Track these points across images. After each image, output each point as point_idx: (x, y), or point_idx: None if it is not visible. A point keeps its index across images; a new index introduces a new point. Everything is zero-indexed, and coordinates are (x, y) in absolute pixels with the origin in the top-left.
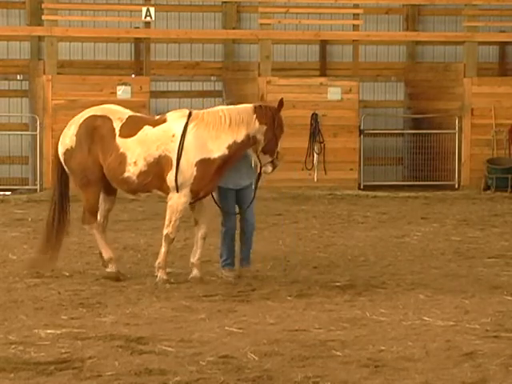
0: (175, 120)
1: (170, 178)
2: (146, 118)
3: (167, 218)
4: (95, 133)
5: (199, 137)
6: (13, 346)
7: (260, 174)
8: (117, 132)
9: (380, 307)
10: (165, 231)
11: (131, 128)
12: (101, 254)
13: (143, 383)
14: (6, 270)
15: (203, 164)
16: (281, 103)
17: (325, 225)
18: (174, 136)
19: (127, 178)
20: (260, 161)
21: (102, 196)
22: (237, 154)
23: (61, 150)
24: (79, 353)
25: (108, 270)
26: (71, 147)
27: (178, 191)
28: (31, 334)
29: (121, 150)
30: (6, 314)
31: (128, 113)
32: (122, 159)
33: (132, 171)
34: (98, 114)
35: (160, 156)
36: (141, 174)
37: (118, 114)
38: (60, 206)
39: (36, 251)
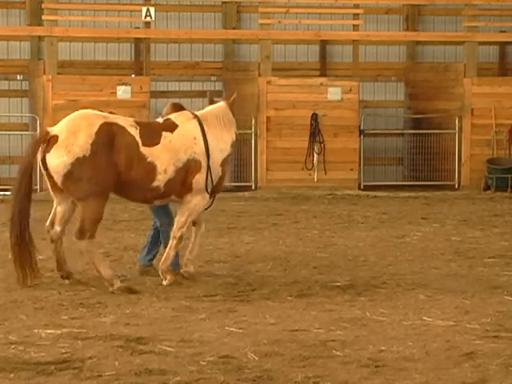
0: (186, 122)
1: (199, 180)
2: (156, 123)
3: (183, 219)
4: (116, 141)
5: (214, 137)
6: (13, 346)
7: None
8: (138, 140)
9: (380, 307)
10: (178, 233)
11: (151, 135)
12: (100, 273)
13: (143, 383)
14: (6, 269)
15: (224, 164)
16: (233, 101)
17: (325, 225)
18: (195, 138)
19: (156, 188)
20: None
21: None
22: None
23: (67, 160)
24: (79, 353)
25: (115, 287)
26: (83, 156)
27: (203, 193)
28: (31, 334)
29: (148, 160)
30: (5, 314)
31: (118, 116)
32: (151, 169)
33: (162, 180)
34: (108, 121)
35: (188, 160)
36: (169, 182)
37: (123, 119)
38: (26, 220)
39: (16, 270)
